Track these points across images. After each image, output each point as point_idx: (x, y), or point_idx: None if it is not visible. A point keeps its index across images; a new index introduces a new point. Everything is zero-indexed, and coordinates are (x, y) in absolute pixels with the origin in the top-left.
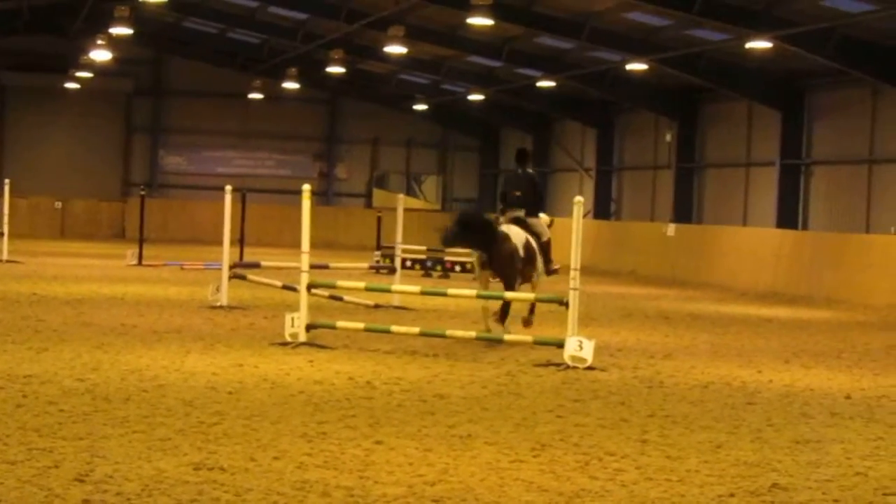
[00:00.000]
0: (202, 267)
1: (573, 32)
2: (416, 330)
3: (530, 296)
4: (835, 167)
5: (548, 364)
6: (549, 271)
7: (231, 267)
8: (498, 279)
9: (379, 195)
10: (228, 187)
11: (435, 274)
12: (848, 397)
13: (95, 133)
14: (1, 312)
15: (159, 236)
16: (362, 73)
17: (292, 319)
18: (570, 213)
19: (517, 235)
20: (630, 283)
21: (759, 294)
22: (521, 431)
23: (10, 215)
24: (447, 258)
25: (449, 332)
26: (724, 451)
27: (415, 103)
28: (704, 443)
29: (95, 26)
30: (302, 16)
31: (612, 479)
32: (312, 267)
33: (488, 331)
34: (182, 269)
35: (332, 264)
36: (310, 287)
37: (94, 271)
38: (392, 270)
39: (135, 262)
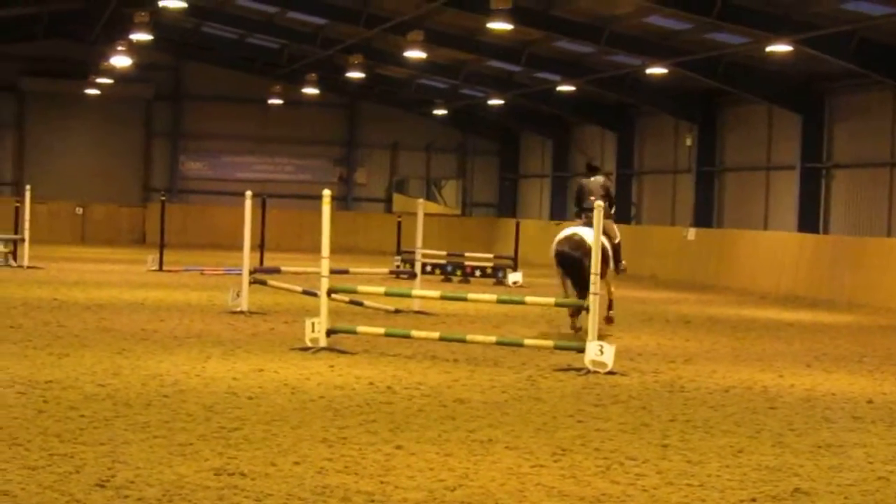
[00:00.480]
0: (222, 272)
1: (592, 36)
2: (436, 335)
3: (550, 300)
4: (855, 170)
5: (568, 369)
6: (619, 270)
7: (251, 272)
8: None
9: (399, 200)
10: (248, 193)
11: (455, 279)
12: (870, 402)
13: (115, 139)
14: (22, 318)
15: (179, 241)
16: (382, 78)
17: (312, 324)
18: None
19: (590, 235)
20: (650, 288)
21: (779, 298)
22: (541, 436)
23: (31, 221)
24: (467, 263)
25: (469, 337)
26: (746, 455)
27: (434, 108)
28: (725, 447)
29: (115, 32)
30: (321, 21)
31: (632, 483)
32: (332, 272)
33: (579, 330)
34: (202, 274)
35: (352, 269)
36: (330, 292)
37: (115, 277)
38: (412, 275)
39: (155, 267)
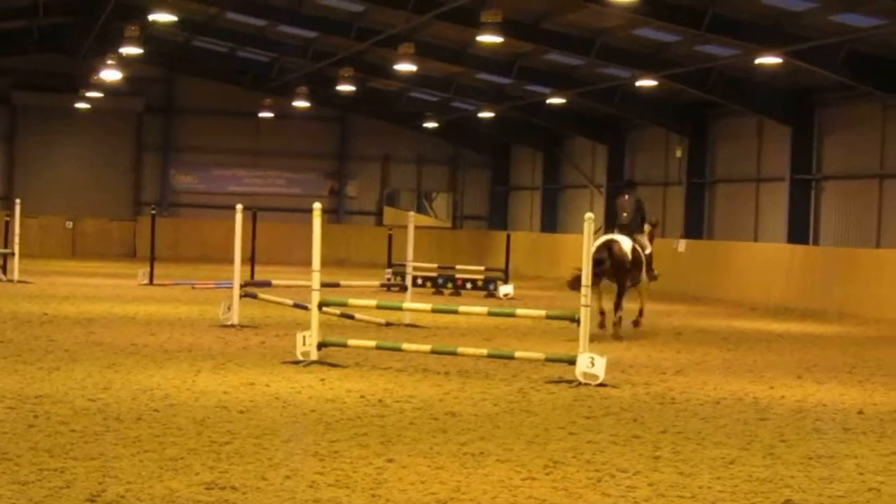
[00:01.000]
0: (213, 286)
1: (583, 49)
2: (427, 347)
3: (541, 312)
4: (845, 182)
5: (559, 381)
6: (652, 277)
7: (242, 285)
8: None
9: (389, 213)
10: (239, 206)
11: (446, 291)
12: (860, 412)
13: (106, 152)
14: (12, 332)
15: (170, 255)
16: (372, 91)
17: (304, 338)
18: (580, 230)
19: (625, 242)
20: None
21: (770, 309)
22: (533, 449)
23: (21, 235)
24: (458, 275)
25: (460, 350)
26: (737, 466)
27: (425, 121)
28: (717, 459)
29: (106, 46)
30: (311, 34)
31: (624, 496)
32: (324, 285)
33: (620, 338)
34: (193, 287)
35: (343, 282)
36: (321, 305)
37: (105, 291)
38: (403, 288)
39: (146, 281)
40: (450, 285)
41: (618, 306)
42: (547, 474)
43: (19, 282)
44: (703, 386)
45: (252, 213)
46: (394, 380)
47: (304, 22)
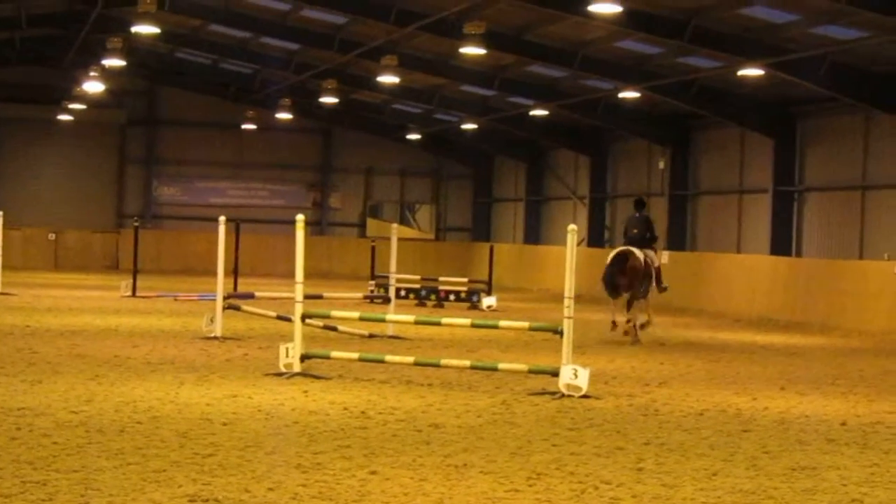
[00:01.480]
0: (196, 298)
1: (565, 61)
2: (410, 359)
3: (524, 324)
4: (828, 194)
5: (543, 392)
6: (661, 289)
7: (225, 297)
8: (627, 292)
9: (373, 224)
10: (222, 218)
11: (429, 303)
12: (843, 424)
13: (89, 164)
14: None
15: (153, 267)
16: (355, 103)
17: (287, 350)
18: (564, 242)
19: (639, 252)
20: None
21: (753, 321)
22: (516, 460)
23: (4, 247)
24: (441, 287)
25: (444, 362)
26: (720, 478)
27: (408, 132)
28: (700, 470)
29: (88, 58)
30: (294, 46)
31: None
32: (307, 297)
33: (637, 341)
34: (176, 300)
35: (326, 294)
36: (304, 317)
37: (88, 303)
38: (386, 300)
39: (129, 293)
40: (433, 297)
41: (630, 313)
42: (530, 486)
43: (2, 294)
44: (687, 397)
45: (235, 224)
46: (377, 392)
47: (287, 34)
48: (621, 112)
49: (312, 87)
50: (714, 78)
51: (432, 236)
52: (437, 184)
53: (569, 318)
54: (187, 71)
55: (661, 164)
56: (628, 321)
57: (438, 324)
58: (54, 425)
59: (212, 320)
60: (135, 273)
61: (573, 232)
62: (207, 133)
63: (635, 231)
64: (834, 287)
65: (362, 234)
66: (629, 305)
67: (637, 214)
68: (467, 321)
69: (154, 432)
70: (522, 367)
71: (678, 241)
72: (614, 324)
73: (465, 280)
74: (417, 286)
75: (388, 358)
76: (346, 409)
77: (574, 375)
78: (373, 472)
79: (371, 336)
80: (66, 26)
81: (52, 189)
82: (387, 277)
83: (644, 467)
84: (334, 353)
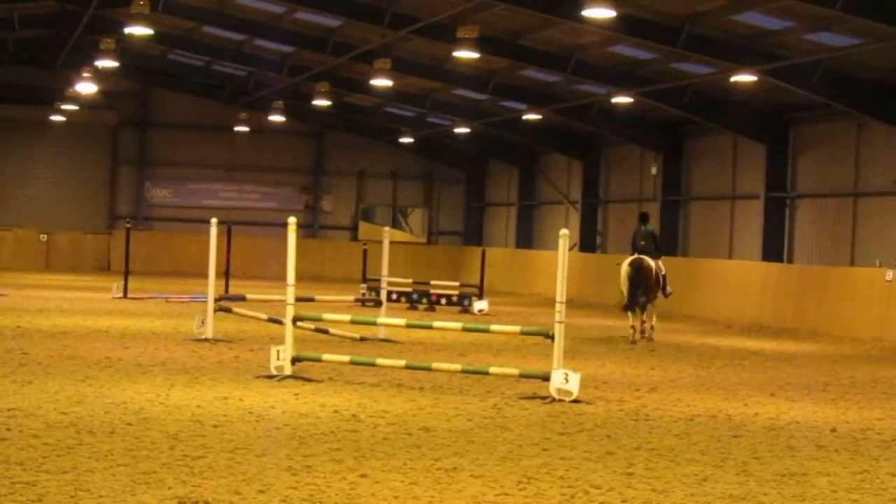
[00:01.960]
0: (187, 300)
1: (559, 65)
2: (401, 363)
3: (516, 328)
4: (820, 200)
5: (533, 397)
6: (667, 294)
7: (216, 300)
8: (643, 297)
9: (365, 228)
10: (214, 220)
11: (421, 307)
12: (833, 430)
13: (81, 165)
14: None
15: (145, 269)
16: (348, 106)
17: (278, 352)
18: (555, 246)
19: (650, 261)
20: (616, 316)
21: (744, 327)
22: (506, 464)
23: None
24: (433, 291)
25: (435, 365)
26: (710, 484)
27: (401, 136)
28: (690, 476)
29: (81, 59)
30: (288, 48)
31: None
32: (298, 300)
33: (651, 339)
34: (167, 301)
35: (317, 297)
36: (295, 320)
37: (79, 304)
38: (378, 303)
39: (120, 294)
40: (425, 301)
41: (645, 315)
42: (520, 490)
43: None
44: (677, 403)
45: (227, 227)
46: (368, 395)
47: (280, 37)
48: (614, 117)
49: (305, 89)
50: (707, 84)
51: (424, 240)
52: (429, 187)
53: (560, 322)
54: (180, 73)
55: (654, 170)
56: (643, 322)
57: (430, 327)
58: (44, 426)
59: (203, 322)
60: (126, 274)
61: (565, 237)
62: (200, 135)
63: (643, 243)
64: (825, 294)
65: (354, 238)
66: (643, 310)
67: (643, 227)
68: (459, 325)
69: (144, 434)
70: (513, 371)
71: (670, 246)
72: (633, 329)
73: (457, 284)
74: (409, 290)
75: (380, 361)
76: (336, 412)
77: (565, 380)
78: (363, 476)
79: (362, 339)
80: (59, 27)
81: (43, 190)
82: (378, 281)
83: (634, 472)
84: (325, 356)
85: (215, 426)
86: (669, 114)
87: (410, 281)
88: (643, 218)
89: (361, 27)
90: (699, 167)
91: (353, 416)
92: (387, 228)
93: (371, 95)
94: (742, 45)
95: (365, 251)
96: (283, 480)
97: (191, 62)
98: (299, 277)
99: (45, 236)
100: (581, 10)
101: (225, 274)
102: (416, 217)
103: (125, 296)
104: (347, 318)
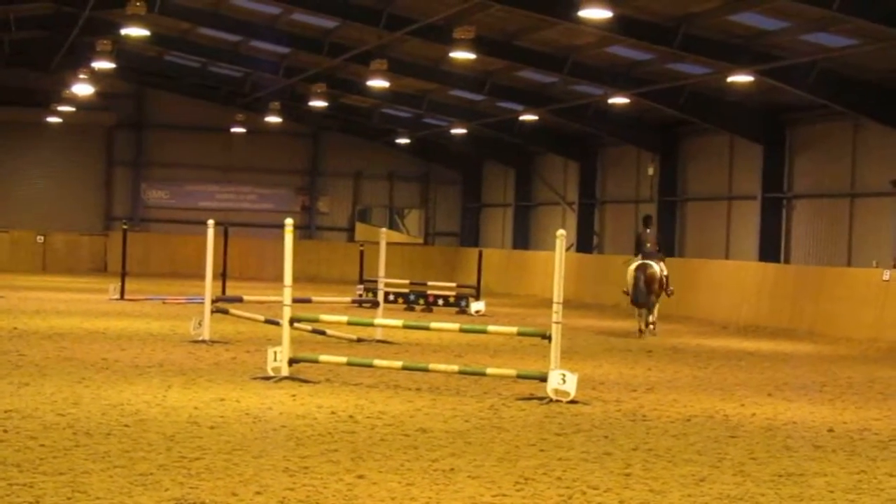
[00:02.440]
0: (184, 301)
1: (555, 66)
2: (398, 364)
3: (513, 329)
4: (816, 200)
5: (531, 398)
6: (669, 293)
7: (213, 301)
8: (650, 295)
9: (361, 229)
10: (211, 221)
11: (417, 308)
12: (830, 430)
13: (77, 167)
14: None
15: (141, 270)
16: (345, 107)
17: (275, 353)
18: (552, 247)
19: (655, 265)
20: (613, 317)
21: (741, 327)
22: (504, 465)
23: None
24: (430, 292)
25: (432, 366)
26: (707, 484)
27: (397, 137)
28: (687, 476)
29: (77, 60)
30: (284, 50)
31: None
32: (295, 301)
33: (654, 335)
34: (164, 303)
35: (314, 298)
36: (292, 321)
37: (76, 305)
38: (375, 304)
39: (116, 296)
40: (421, 302)
41: (651, 315)
42: (518, 491)
43: None
44: (674, 403)
45: (223, 228)
46: (365, 396)
47: (277, 38)
48: (611, 118)
49: (302, 90)
50: (703, 84)
51: (421, 241)
52: (425, 188)
53: (557, 323)
54: (176, 74)
55: (651, 170)
56: (648, 322)
57: (427, 328)
58: (41, 428)
59: (200, 324)
60: (123, 276)
61: (562, 237)
62: (196, 136)
63: (649, 245)
64: (822, 294)
65: (351, 239)
66: (650, 309)
67: (647, 230)
68: (455, 326)
69: (141, 435)
70: (510, 371)
71: (667, 247)
72: (640, 330)
73: (454, 285)
74: (406, 291)
75: (377, 362)
76: (333, 413)
77: (562, 380)
78: (360, 477)
79: (359, 340)
80: (55, 29)
81: (40, 191)
82: (375, 282)
83: (631, 473)
84: (322, 357)
85: (212, 427)
86: (666, 114)
87: (407, 282)
88: (647, 220)
89: (358, 28)
90: (695, 168)
91: (350, 417)
92: (383, 229)
93: (367, 96)
94: (738, 45)
95: (361, 252)
96: (280, 482)
97: (187, 63)
98: (296, 279)
99: (42, 238)
100: (577, 10)
101: (222, 275)
102: (413, 218)
103: (122, 297)
104: (344, 319)
